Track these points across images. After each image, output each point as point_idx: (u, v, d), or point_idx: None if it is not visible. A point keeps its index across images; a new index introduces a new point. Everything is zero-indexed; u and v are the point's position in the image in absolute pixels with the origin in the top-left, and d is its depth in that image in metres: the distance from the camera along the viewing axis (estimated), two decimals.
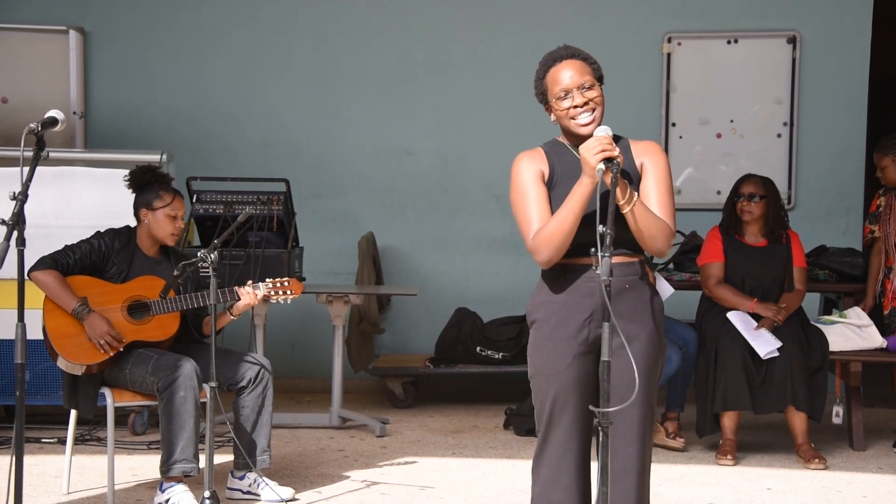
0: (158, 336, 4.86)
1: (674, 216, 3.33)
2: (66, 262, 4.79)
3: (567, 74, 3.31)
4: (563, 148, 3.39)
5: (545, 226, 3.27)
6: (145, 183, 4.96)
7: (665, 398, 6.12)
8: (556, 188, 3.33)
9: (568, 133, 3.38)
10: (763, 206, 5.95)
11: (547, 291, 3.37)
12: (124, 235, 4.96)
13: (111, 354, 4.73)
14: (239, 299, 4.88)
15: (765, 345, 5.71)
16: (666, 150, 7.12)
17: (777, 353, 5.70)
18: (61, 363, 4.76)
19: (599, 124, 3.31)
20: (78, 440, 5.76)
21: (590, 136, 3.25)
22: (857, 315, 6.08)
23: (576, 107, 3.30)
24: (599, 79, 3.35)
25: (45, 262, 4.77)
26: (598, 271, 3.02)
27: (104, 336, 4.71)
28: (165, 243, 5.00)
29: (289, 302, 4.98)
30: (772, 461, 5.80)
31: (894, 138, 6.16)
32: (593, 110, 3.31)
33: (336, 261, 7.73)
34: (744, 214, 5.96)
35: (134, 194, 4.99)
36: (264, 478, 4.89)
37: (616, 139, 3.38)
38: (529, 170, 3.35)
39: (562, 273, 3.34)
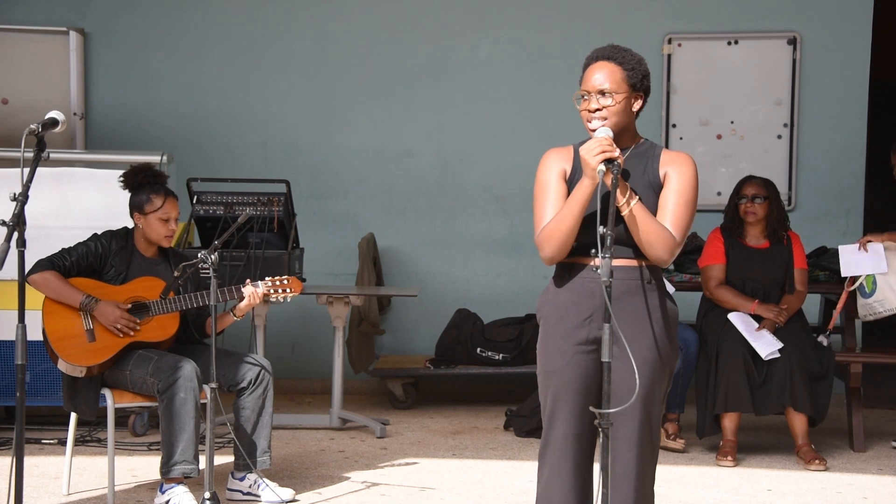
0: (159, 336, 4.85)
1: (684, 229, 3.27)
2: (62, 265, 4.78)
3: (591, 77, 3.31)
4: None
5: (548, 224, 3.28)
6: (138, 184, 4.94)
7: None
8: (573, 187, 3.32)
9: None
10: (766, 207, 5.95)
11: (553, 289, 3.39)
12: (121, 237, 4.94)
13: (132, 335, 4.73)
14: (244, 297, 4.87)
15: (766, 346, 5.71)
16: None
17: (778, 355, 5.70)
18: (62, 365, 4.74)
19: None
20: (78, 441, 5.76)
21: None
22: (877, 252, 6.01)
23: (588, 111, 3.31)
24: (634, 86, 3.32)
25: (42, 265, 4.75)
26: (598, 272, 3.02)
27: (119, 321, 4.72)
28: (161, 245, 4.99)
29: (288, 300, 4.95)
30: (772, 462, 5.79)
31: None
32: (605, 118, 3.29)
33: (336, 262, 7.73)
34: (747, 216, 5.96)
35: (130, 195, 4.98)
36: (264, 479, 4.89)
37: (648, 145, 3.37)
38: (553, 167, 3.36)
39: (567, 271, 3.35)
